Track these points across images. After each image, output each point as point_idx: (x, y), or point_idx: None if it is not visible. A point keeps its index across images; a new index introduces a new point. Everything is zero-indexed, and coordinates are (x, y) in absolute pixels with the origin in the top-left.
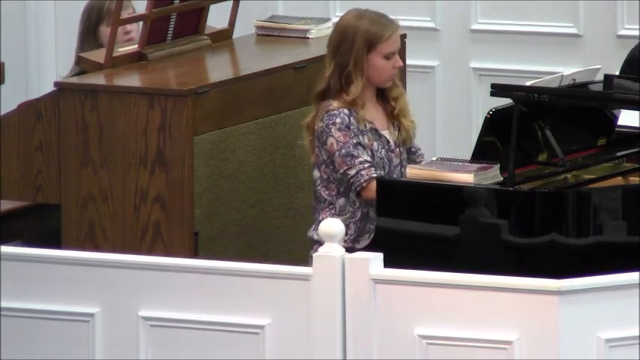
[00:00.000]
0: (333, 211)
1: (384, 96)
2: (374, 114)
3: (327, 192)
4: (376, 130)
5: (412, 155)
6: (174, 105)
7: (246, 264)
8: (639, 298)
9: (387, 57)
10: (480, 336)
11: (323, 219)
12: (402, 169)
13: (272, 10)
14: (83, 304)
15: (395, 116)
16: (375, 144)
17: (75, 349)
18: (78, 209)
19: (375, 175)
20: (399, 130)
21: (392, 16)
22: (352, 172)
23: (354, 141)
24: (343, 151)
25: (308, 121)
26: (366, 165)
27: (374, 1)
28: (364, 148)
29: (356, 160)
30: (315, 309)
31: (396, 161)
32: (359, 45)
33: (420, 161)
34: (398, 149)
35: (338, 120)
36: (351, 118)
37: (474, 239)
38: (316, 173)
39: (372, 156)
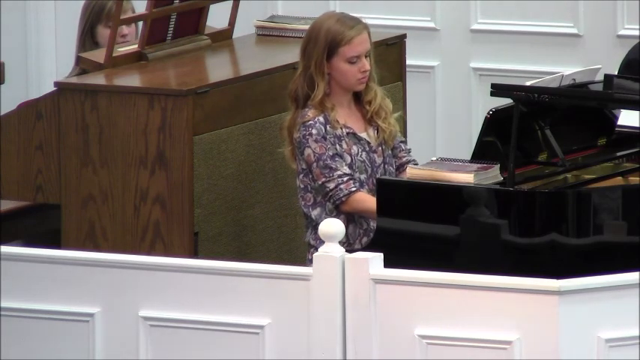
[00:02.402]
0: (313, 222)
1: (359, 99)
2: (350, 117)
3: (303, 202)
4: (354, 134)
5: (395, 151)
6: (174, 105)
7: (246, 264)
8: (639, 298)
9: (351, 61)
10: (480, 336)
11: (316, 225)
12: (387, 167)
13: (272, 10)
14: (83, 304)
15: (371, 119)
16: (355, 148)
17: (75, 349)
18: (78, 209)
19: (354, 189)
20: (378, 132)
21: (360, 18)
22: (331, 185)
23: (331, 152)
24: (321, 162)
25: (286, 124)
26: (345, 179)
27: (373, 2)
28: (342, 157)
29: (335, 173)
30: (315, 309)
31: (379, 161)
32: (319, 47)
33: (403, 156)
34: (380, 148)
35: (314, 131)
36: (327, 126)
37: (474, 239)
38: (297, 182)
39: (352, 161)
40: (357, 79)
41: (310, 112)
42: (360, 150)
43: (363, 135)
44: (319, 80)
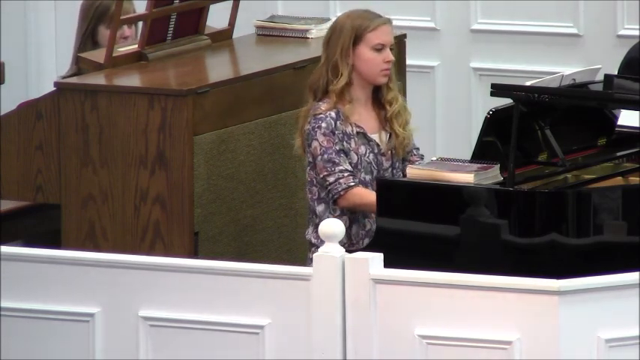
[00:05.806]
0: (316, 218)
1: (379, 100)
2: (363, 116)
3: (309, 195)
4: (364, 134)
5: (408, 155)
6: (174, 105)
7: (246, 264)
8: (639, 298)
9: (376, 48)
10: (480, 336)
11: (319, 222)
12: (394, 171)
13: (272, 10)
14: (83, 304)
15: (388, 121)
16: (363, 148)
17: (75, 349)
18: (78, 209)
19: (352, 184)
20: (390, 137)
21: (389, 16)
22: (331, 179)
23: (337, 147)
24: (325, 156)
25: (302, 113)
26: (346, 174)
27: (374, 1)
28: (347, 154)
29: (336, 168)
30: (315, 309)
31: (386, 164)
32: (345, 35)
33: (416, 161)
34: (389, 152)
35: (323, 124)
36: (338, 122)
37: (474, 239)
38: (306, 174)
39: (359, 160)
40: (380, 69)
41: (323, 106)
42: (368, 151)
43: (374, 136)
44: (343, 68)
